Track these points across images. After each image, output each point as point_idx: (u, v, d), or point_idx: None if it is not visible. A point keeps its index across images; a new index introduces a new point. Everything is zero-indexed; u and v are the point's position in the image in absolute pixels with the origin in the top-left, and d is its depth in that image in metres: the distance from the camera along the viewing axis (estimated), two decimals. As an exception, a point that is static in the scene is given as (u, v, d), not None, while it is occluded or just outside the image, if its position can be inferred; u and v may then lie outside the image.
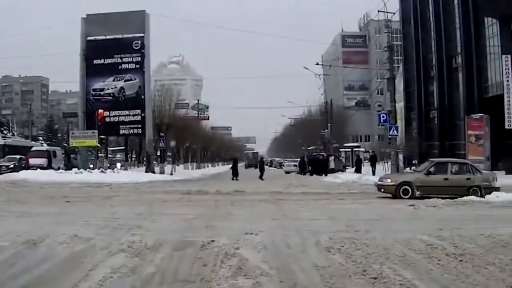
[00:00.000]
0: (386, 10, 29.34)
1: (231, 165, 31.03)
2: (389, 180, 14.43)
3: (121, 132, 31.97)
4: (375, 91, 54.71)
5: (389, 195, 13.82)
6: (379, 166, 28.11)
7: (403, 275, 4.63)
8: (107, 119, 30.39)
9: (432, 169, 14.15)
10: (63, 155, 33.48)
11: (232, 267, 4.92)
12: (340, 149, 45.30)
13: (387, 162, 28.04)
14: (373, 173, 26.17)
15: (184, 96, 78.48)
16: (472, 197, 12.59)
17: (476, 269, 4.85)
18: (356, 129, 62.31)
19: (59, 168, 28.44)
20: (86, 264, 5.08)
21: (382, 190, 14.31)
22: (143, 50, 31.01)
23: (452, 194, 13.00)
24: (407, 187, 13.71)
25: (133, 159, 44.17)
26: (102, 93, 31.27)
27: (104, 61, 31.15)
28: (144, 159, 36.25)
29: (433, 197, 12.49)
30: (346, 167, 37.05)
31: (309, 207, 11.43)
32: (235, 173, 27.56)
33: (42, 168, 28.39)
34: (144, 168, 33.24)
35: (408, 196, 13.50)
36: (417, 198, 12.95)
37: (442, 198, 12.24)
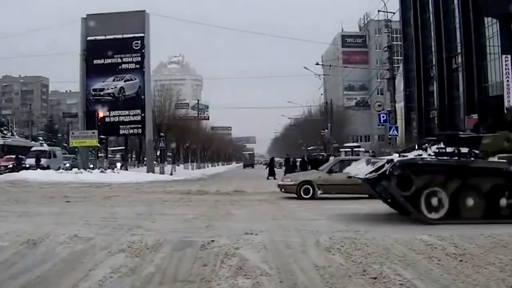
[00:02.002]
0: (386, 10, 29.43)
1: (266, 165, 32.46)
2: (289, 180, 14.21)
3: (121, 132, 31.99)
4: (375, 91, 54.68)
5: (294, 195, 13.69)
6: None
7: (403, 275, 4.63)
8: (107, 119, 30.43)
9: (334, 168, 13.98)
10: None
11: (232, 267, 4.92)
12: (340, 149, 45.32)
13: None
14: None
15: (184, 96, 78.62)
16: None
17: (476, 269, 4.85)
18: (356, 129, 62.25)
19: (59, 168, 28.48)
20: (86, 264, 5.07)
21: (283, 190, 14.16)
22: (143, 50, 31.03)
23: (356, 192, 12.93)
24: (308, 186, 13.52)
25: (133, 159, 44.18)
26: (102, 93, 31.29)
27: (104, 61, 31.18)
28: (145, 159, 36.27)
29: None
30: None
31: (307, 207, 11.42)
32: (271, 173, 28.09)
33: (42, 168, 28.46)
34: (144, 168, 33.26)
35: (309, 196, 13.43)
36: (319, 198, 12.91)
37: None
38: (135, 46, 31.03)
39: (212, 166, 62.76)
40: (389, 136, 25.77)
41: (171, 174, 31.86)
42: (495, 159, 8.64)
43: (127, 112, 31.06)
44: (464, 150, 8.62)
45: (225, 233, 6.84)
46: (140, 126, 31.17)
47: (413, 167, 8.40)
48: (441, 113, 36.11)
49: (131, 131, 31.86)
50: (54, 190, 16.94)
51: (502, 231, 6.76)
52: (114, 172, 26.60)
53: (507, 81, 26.50)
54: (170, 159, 43.82)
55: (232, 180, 26.06)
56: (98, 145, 30.20)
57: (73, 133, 32.27)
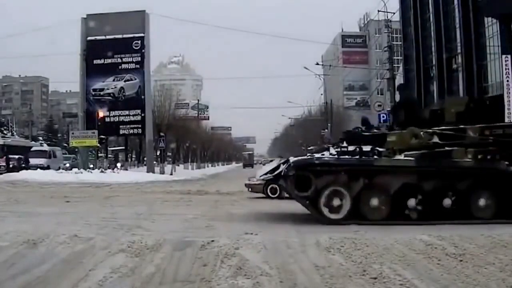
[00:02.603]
0: (386, 10, 29.45)
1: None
2: (255, 180, 14.02)
3: (121, 132, 32.00)
4: (375, 91, 54.68)
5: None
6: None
7: (403, 275, 4.63)
8: (107, 119, 30.44)
9: None
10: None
11: (232, 267, 4.92)
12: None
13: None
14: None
15: (184, 96, 78.58)
16: None
17: (476, 269, 4.85)
18: (356, 129, 62.19)
19: (59, 168, 28.50)
20: (86, 264, 5.07)
21: (250, 189, 14.11)
22: (143, 50, 31.05)
23: None
24: (274, 185, 13.32)
25: (133, 159, 44.18)
26: (102, 93, 31.31)
27: (104, 61, 31.19)
28: (145, 159, 36.29)
29: None
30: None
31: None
32: None
33: (42, 168, 28.50)
34: (144, 168, 33.27)
35: (276, 195, 13.37)
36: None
37: None
38: (135, 46, 31.04)
39: (212, 166, 62.78)
40: (389, 136, 25.75)
41: (171, 174, 31.86)
42: (402, 157, 8.52)
43: (127, 112, 31.07)
44: (367, 148, 8.44)
45: (225, 233, 6.84)
46: (140, 126, 31.18)
47: (309, 167, 8.29)
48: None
49: (131, 131, 31.87)
50: (54, 190, 16.94)
51: (502, 231, 6.76)
52: (114, 172, 26.61)
53: (507, 81, 26.44)
54: (170, 159, 43.82)
55: (233, 180, 26.07)
56: (98, 145, 30.21)
57: (73, 133, 32.29)
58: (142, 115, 30.92)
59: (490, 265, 4.99)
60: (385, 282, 4.45)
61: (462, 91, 33.21)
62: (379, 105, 31.56)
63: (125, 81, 31.29)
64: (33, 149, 35.06)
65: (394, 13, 32.47)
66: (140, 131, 31.64)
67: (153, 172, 30.52)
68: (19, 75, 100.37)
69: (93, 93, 31.39)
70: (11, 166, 29.58)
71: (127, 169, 30.93)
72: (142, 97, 31.24)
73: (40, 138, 59.49)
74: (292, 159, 8.74)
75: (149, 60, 31.99)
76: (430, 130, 8.82)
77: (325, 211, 8.23)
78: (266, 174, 9.11)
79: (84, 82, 31.66)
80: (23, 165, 30.08)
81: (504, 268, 4.88)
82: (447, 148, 8.59)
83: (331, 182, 8.31)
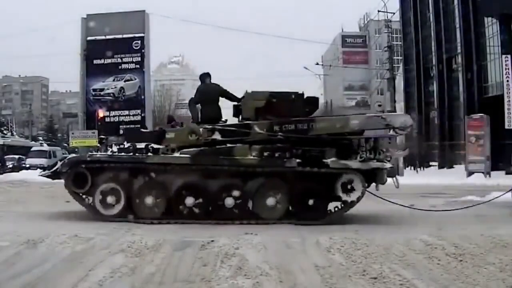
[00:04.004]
0: (386, 10, 29.48)
1: None
2: None
3: (121, 132, 31.96)
4: (375, 91, 54.73)
5: None
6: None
7: (403, 275, 4.64)
8: (107, 119, 30.43)
9: None
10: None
11: (232, 267, 4.92)
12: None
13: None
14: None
15: (184, 96, 78.44)
16: None
17: (476, 269, 4.85)
18: (356, 129, 62.21)
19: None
20: (86, 264, 5.07)
21: None
22: (143, 50, 31.04)
23: None
24: None
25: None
26: (102, 93, 31.30)
27: (104, 61, 31.18)
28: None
29: None
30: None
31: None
32: None
33: (43, 168, 28.49)
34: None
35: None
36: None
37: None
38: (135, 46, 31.03)
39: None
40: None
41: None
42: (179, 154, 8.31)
43: (127, 112, 31.06)
44: (141, 145, 8.30)
45: (225, 233, 6.84)
46: (140, 126, 31.17)
47: (83, 164, 8.25)
48: (441, 113, 36.10)
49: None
50: (54, 190, 16.92)
51: (502, 231, 6.77)
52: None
53: (507, 81, 26.48)
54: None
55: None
56: (98, 145, 30.19)
57: (73, 133, 32.25)
58: (142, 115, 30.91)
59: (490, 265, 4.99)
60: (385, 282, 4.45)
61: (462, 91, 33.23)
62: (379, 105, 31.57)
63: (125, 81, 31.29)
64: (33, 149, 35.06)
65: (394, 13, 32.54)
66: (140, 131, 31.63)
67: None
68: (19, 75, 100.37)
69: (93, 93, 31.38)
70: (9, 166, 29.52)
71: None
72: (142, 97, 31.23)
73: (40, 138, 59.52)
74: (69, 156, 8.77)
75: (149, 60, 32.00)
76: (210, 127, 8.44)
77: (100, 207, 8.22)
78: (44, 170, 9.06)
79: (84, 82, 31.65)
80: (23, 165, 30.08)
81: (504, 268, 4.88)
82: (229, 145, 8.28)
83: (106, 179, 8.27)
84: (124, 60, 31.18)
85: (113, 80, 31.37)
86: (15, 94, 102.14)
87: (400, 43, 45.09)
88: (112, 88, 31.31)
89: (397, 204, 9.36)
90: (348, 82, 71.13)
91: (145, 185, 8.27)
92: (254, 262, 5.08)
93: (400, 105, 38.45)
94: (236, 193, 8.08)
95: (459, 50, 33.72)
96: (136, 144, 8.32)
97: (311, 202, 8.07)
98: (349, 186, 8.08)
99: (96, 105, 30.60)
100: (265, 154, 8.08)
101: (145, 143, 8.32)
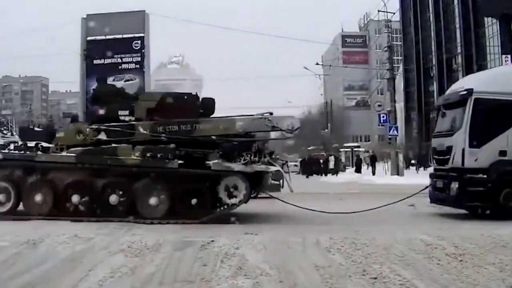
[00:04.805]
0: (386, 10, 29.42)
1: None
2: None
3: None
4: (375, 91, 54.67)
5: None
6: (379, 166, 28.14)
7: (403, 275, 4.64)
8: (107, 119, 30.45)
9: None
10: None
11: (232, 267, 4.92)
12: (340, 149, 45.37)
13: (387, 162, 28.08)
14: (373, 173, 26.22)
15: (184, 96, 78.26)
16: None
17: (476, 269, 4.85)
18: (356, 129, 62.25)
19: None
20: (86, 264, 5.07)
21: None
22: (143, 50, 31.06)
23: None
24: None
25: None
26: (102, 93, 31.32)
27: (104, 61, 31.20)
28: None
29: None
30: (346, 167, 37.09)
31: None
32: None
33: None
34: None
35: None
36: None
37: None
38: (135, 46, 31.05)
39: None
40: (389, 136, 25.81)
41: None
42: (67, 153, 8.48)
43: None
44: (32, 144, 8.49)
45: (225, 233, 6.83)
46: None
47: None
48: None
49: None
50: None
51: (502, 231, 6.76)
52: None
53: (507, 81, 26.47)
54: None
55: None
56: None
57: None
58: (142, 115, 30.94)
59: (490, 265, 5.00)
60: (385, 282, 4.45)
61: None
62: (379, 105, 31.53)
63: (125, 81, 31.28)
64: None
65: (394, 13, 32.45)
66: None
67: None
68: (19, 75, 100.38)
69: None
70: None
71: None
72: (142, 97, 31.27)
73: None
74: None
75: (149, 60, 32.06)
76: (95, 126, 8.59)
77: None
78: None
79: (84, 82, 31.66)
80: None
81: (504, 268, 4.88)
82: (113, 145, 8.41)
83: None
84: (124, 60, 31.19)
85: (113, 80, 31.34)
86: (15, 94, 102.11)
87: (400, 43, 45.10)
88: (113, 88, 31.35)
89: (297, 206, 9.09)
90: (348, 82, 71.14)
91: (34, 183, 8.41)
92: (254, 262, 5.08)
93: (400, 105, 38.48)
94: (120, 192, 8.23)
95: (459, 50, 33.73)
96: (27, 142, 8.57)
97: (193, 202, 8.16)
98: (232, 189, 8.14)
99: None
100: (148, 154, 8.21)
101: (35, 142, 8.58)
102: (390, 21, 31.40)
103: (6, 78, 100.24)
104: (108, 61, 31.17)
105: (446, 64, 35.25)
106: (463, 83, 10.50)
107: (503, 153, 9.02)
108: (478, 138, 9.05)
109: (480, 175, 8.91)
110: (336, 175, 30.06)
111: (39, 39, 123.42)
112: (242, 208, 11.23)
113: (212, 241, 6.10)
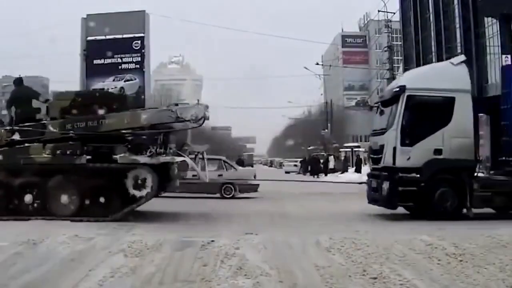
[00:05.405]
0: (386, 10, 29.45)
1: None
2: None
3: (121, 132, 32.01)
4: (375, 91, 54.66)
5: None
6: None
7: (403, 275, 4.63)
8: (107, 119, 30.44)
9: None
10: None
11: (232, 267, 4.92)
12: (340, 149, 45.36)
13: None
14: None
15: (184, 96, 78.44)
16: None
17: (476, 269, 4.85)
18: (356, 129, 62.28)
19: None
20: (86, 264, 5.07)
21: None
22: (143, 50, 31.02)
23: (202, 191, 13.19)
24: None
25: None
26: (102, 93, 31.33)
27: (104, 61, 31.16)
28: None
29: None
30: (348, 167, 37.09)
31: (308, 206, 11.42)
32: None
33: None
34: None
35: (230, 195, 13.71)
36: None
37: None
38: (135, 46, 31.01)
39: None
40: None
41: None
42: None
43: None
44: None
45: (225, 233, 6.83)
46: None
47: None
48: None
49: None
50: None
51: (502, 231, 6.76)
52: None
53: (507, 81, 26.45)
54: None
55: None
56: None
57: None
58: (142, 115, 30.93)
59: (490, 265, 4.99)
60: (385, 282, 4.45)
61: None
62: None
63: (125, 81, 31.26)
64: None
65: (394, 13, 32.53)
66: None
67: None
68: (19, 75, 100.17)
69: (93, 93, 31.41)
70: None
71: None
72: (142, 97, 31.21)
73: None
74: None
75: (149, 60, 31.99)
76: (9, 127, 8.83)
77: None
78: None
79: (84, 82, 31.63)
80: None
81: (504, 268, 4.88)
82: (26, 145, 8.58)
83: None
84: (124, 60, 31.16)
85: (113, 80, 31.33)
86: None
87: (400, 43, 45.06)
88: (112, 88, 31.21)
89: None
90: (348, 82, 71.17)
91: None
92: (254, 262, 5.08)
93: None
94: (33, 190, 8.41)
95: (459, 50, 33.71)
96: None
97: (103, 198, 8.37)
98: (139, 181, 8.31)
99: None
100: (58, 152, 8.42)
101: None
102: (390, 21, 31.50)
103: (6, 78, 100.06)
104: (108, 61, 31.13)
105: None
106: (398, 80, 10.40)
107: (438, 151, 8.87)
108: (410, 137, 8.86)
109: (414, 175, 8.77)
110: (342, 173, 29.98)
111: (39, 39, 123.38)
112: (242, 208, 11.29)
113: (212, 241, 6.10)
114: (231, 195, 13.84)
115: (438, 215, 8.59)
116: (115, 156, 8.33)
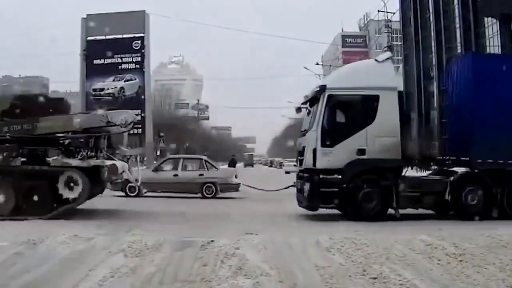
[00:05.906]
0: (386, 10, 29.45)
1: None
2: None
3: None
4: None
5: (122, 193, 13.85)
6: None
7: (403, 275, 4.63)
8: (107, 119, 30.44)
9: (161, 166, 14.58)
10: None
11: (232, 267, 4.92)
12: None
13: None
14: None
15: (184, 96, 78.54)
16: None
17: (476, 269, 4.85)
18: (356, 129, 62.25)
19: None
20: (86, 264, 5.07)
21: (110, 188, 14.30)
22: (143, 50, 31.05)
23: (183, 191, 13.45)
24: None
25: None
26: (102, 93, 31.31)
27: (104, 61, 31.19)
28: (145, 159, 36.27)
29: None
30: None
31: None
32: None
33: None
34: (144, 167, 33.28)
35: (135, 194, 13.81)
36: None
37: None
38: (135, 46, 31.04)
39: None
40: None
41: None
42: None
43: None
44: None
45: (225, 233, 6.83)
46: (140, 126, 31.15)
47: None
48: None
49: (131, 131, 31.78)
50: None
51: (502, 231, 6.76)
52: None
53: (507, 81, 26.46)
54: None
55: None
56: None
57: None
58: (142, 115, 30.88)
59: (490, 265, 4.99)
60: (385, 282, 4.45)
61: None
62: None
63: (125, 81, 31.29)
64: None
65: (394, 13, 32.49)
66: (140, 131, 31.62)
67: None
68: (19, 75, 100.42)
69: (93, 93, 31.39)
70: None
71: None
72: (142, 97, 31.24)
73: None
74: None
75: (149, 60, 32.02)
76: None
77: None
78: None
79: (84, 82, 31.66)
80: None
81: (504, 268, 4.88)
82: None
83: None
84: (124, 60, 31.18)
85: (113, 80, 31.37)
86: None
87: (400, 43, 44.98)
88: (112, 88, 31.30)
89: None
90: (348, 82, 71.10)
91: None
92: (254, 262, 5.08)
93: (400, 105, 38.46)
94: None
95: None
96: None
97: (36, 198, 8.66)
98: (71, 183, 8.62)
99: (96, 105, 30.57)
100: None
101: None
102: (390, 21, 31.50)
103: (6, 78, 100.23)
104: (108, 61, 31.16)
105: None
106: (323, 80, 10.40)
107: (361, 151, 8.75)
108: (331, 137, 8.72)
109: (335, 176, 8.66)
110: None
111: (39, 39, 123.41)
112: (242, 208, 11.30)
113: (212, 241, 6.09)
114: (212, 195, 13.88)
115: (362, 216, 8.48)
116: (48, 159, 8.65)
